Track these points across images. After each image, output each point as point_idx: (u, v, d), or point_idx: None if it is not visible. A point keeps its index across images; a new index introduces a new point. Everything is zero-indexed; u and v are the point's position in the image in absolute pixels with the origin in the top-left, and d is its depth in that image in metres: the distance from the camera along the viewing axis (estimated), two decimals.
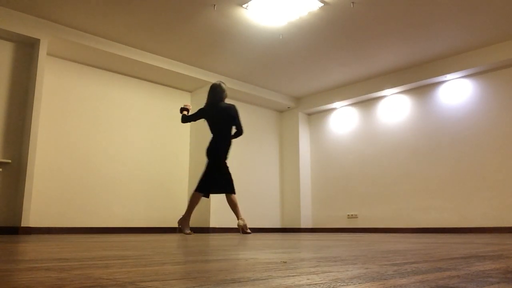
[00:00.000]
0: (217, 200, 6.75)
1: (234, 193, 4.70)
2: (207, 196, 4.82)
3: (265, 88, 7.37)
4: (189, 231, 4.69)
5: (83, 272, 0.84)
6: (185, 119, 4.83)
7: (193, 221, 6.46)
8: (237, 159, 7.19)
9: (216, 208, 6.60)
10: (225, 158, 4.73)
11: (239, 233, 5.22)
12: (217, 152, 4.67)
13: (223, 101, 4.81)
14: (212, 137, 4.73)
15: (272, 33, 5.36)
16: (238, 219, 4.63)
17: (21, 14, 4.82)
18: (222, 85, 4.84)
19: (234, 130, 5.35)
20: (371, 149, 7.01)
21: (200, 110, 4.83)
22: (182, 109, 4.93)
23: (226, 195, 4.68)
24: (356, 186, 7.11)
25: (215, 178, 4.67)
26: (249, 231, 4.76)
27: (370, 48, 5.77)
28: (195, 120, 4.84)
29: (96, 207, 5.60)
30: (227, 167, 4.74)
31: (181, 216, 5.28)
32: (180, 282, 0.70)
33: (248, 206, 7.14)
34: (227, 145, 4.72)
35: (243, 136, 7.31)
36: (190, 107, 4.96)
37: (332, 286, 0.66)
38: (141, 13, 4.87)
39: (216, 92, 4.79)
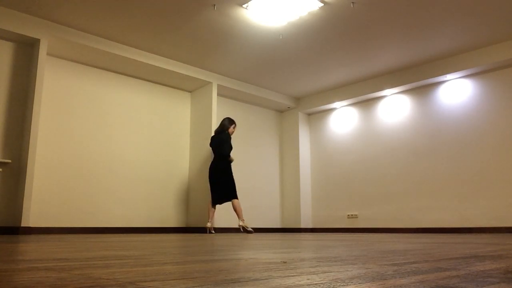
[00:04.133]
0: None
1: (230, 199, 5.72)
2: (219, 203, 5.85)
3: (265, 88, 7.37)
4: (250, 229, 5.69)
5: (83, 272, 0.84)
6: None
7: (194, 222, 6.46)
8: (237, 159, 7.19)
9: (216, 208, 6.59)
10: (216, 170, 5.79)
11: (240, 233, 5.55)
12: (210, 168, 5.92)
13: (222, 130, 5.99)
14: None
15: (272, 33, 5.36)
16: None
17: (21, 14, 4.82)
18: (224, 120, 6.04)
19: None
20: (371, 149, 7.01)
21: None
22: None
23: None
24: (356, 186, 7.10)
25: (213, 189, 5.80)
26: (250, 229, 5.63)
27: (370, 48, 5.77)
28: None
29: (96, 207, 5.60)
30: (222, 176, 5.74)
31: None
32: (180, 282, 0.70)
33: (248, 206, 7.14)
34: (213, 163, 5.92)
35: (243, 136, 7.33)
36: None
37: (332, 286, 0.66)
38: (141, 13, 4.87)
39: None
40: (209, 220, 5.69)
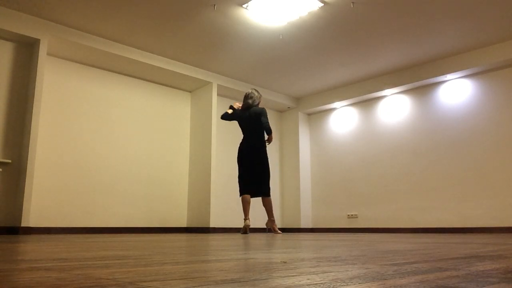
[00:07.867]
0: (217, 200, 6.75)
1: (265, 196, 4.79)
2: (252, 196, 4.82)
3: (265, 88, 7.37)
4: (279, 231, 4.92)
5: (83, 272, 0.84)
6: (225, 116, 5.00)
7: (193, 221, 6.46)
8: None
9: (216, 208, 6.60)
10: (250, 158, 4.80)
11: (240, 233, 5.36)
12: (239, 153, 4.88)
13: (254, 106, 4.97)
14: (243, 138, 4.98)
15: (272, 33, 5.36)
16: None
17: (21, 14, 4.82)
18: (251, 91, 5.03)
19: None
20: (371, 149, 7.01)
21: (234, 113, 5.02)
22: (231, 106, 5.08)
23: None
24: (356, 186, 7.10)
25: (244, 179, 4.82)
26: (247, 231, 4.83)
27: (370, 48, 5.77)
28: (230, 120, 5.06)
29: (96, 207, 5.60)
30: (257, 167, 4.78)
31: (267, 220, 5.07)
32: (180, 282, 0.70)
33: None
34: (251, 146, 4.84)
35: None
36: (239, 107, 5.07)
37: (332, 286, 0.66)
38: (141, 13, 4.87)
39: (245, 98, 5.03)
40: (246, 217, 4.63)
